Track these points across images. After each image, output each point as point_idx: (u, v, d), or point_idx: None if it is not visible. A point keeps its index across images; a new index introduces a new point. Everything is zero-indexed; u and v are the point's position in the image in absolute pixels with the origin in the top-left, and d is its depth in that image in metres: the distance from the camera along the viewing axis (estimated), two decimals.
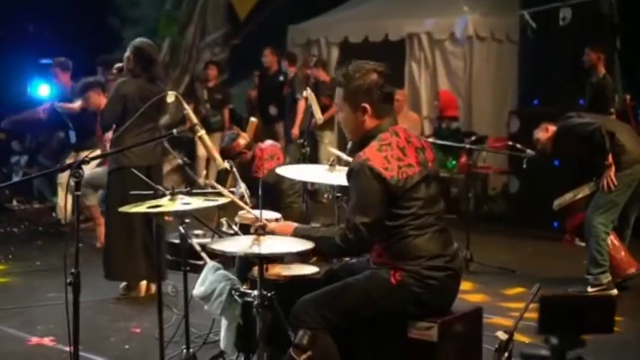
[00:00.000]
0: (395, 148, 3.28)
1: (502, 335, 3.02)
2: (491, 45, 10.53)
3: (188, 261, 3.75)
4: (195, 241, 3.82)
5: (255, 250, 3.04)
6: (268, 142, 6.23)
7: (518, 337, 3.42)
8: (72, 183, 3.10)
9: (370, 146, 3.28)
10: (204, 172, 9.79)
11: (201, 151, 10.59)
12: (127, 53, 5.79)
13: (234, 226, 3.70)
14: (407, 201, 3.24)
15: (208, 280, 3.49)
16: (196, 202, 3.44)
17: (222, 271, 3.46)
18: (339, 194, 4.41)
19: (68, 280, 3.09)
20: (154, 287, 5.77)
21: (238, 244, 3.19)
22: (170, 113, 10.85)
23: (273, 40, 11.15)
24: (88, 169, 6.91)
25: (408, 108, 10.20)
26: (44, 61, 10.70)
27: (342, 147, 7.80)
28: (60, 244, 7.36)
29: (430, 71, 10.71)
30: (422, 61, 10.71)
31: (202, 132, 3.47)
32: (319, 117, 4.51)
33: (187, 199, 3.48)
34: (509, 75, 10.33)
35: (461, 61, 10.50)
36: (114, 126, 5.76)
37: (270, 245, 3.09)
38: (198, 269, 3.93)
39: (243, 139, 5.90)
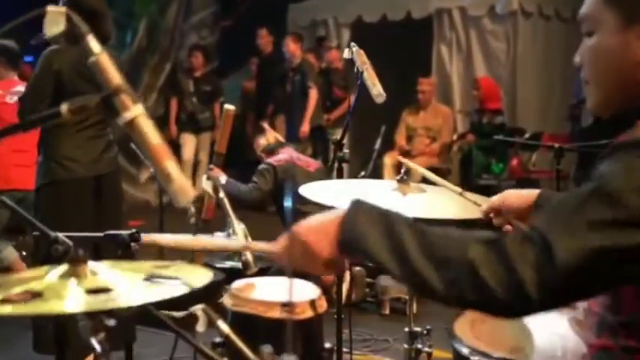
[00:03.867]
0: None
1: None
2: (538, 23, 8.91)
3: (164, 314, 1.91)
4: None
5: None
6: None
7: None
8: None
9: None
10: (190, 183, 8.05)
11: (187, 154, 9.06)
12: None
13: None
14: None
15: None
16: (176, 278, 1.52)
17: None
18: None
19: None
20: None
21: None
22: None
23: (272, 21, 9.58)
24: None
25: (437, 100, 8.70)
26: (27, 59, 9.65)
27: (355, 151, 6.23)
28: None
29: (464, 55, 9.10)
30: (453, 42, 9.12)
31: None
32: (378, 91, 2.63)
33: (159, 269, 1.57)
34: (561, 59, 8.74)
35: (502, 42, 8.86)
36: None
37: None
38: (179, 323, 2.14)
39: (264, 139, 5.09)
